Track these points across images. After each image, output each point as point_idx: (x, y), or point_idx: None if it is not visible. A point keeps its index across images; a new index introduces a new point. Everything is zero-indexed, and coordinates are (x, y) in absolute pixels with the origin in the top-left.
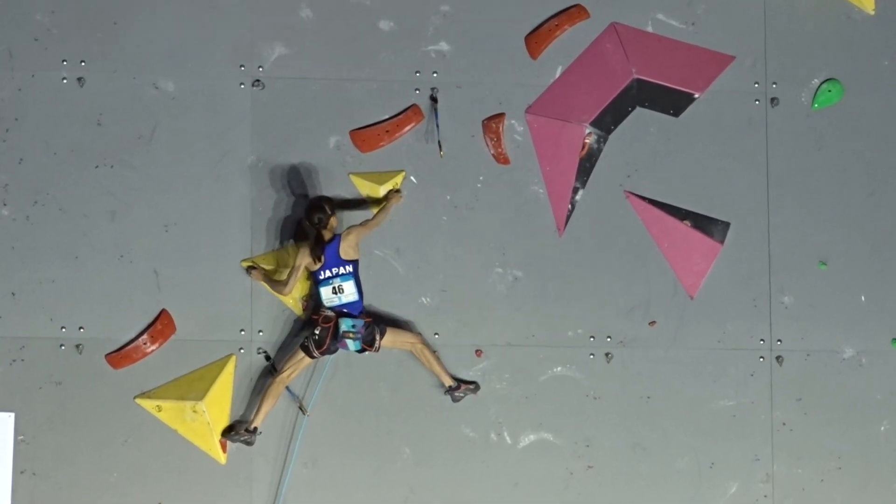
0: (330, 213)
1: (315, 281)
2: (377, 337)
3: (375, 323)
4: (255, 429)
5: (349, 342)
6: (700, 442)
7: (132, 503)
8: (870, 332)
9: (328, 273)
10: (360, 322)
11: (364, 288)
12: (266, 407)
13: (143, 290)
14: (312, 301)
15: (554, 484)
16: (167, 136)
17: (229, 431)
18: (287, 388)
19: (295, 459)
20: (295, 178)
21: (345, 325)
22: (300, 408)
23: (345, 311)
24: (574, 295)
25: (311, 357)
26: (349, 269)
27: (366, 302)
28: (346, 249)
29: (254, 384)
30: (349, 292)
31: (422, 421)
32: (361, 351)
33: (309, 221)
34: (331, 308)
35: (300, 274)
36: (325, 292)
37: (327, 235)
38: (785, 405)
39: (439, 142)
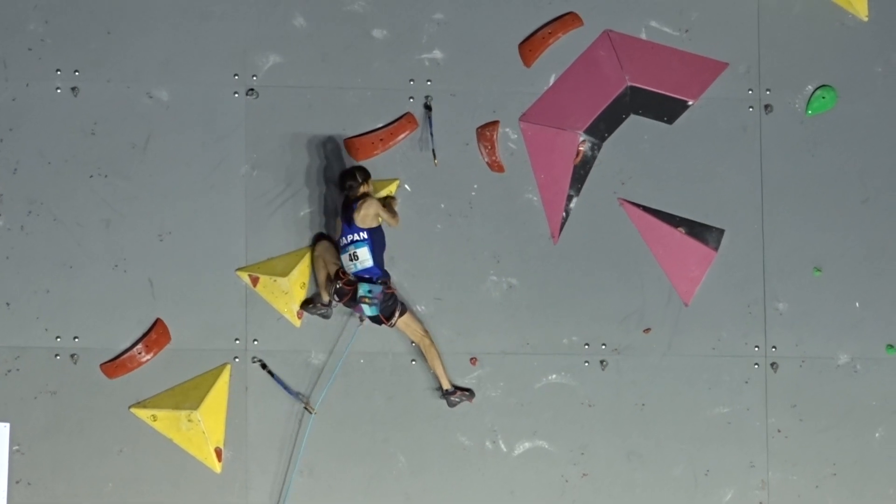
0: (360, 181)
1: (338, 249)
2: (396, 312)
3: (398, 299)
4: (330, 301)
5: (365, 307)
6: (695, 449)
7: None
8: (864, 338)
9: (345, 240)
10: (377, 288)
11: None
12: (322, 277)
13: (137, 300)
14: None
15: (549, 491)
16: (161, 145)
17: (307, 304)
18: (288, 389)
19: (300, 459)
20: (289, 187)
21: (362, 289)
22: (306, 407)
23: (365, 276)
24: (569, 302)
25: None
26: (363, 235)
27: None
28: (362, 217)
29: (249, 392)
30: (363, 259)
31: (417, 429)
32: (378, 322)
33: (340, 188)
34: (352, 274)
35: (385, 213)
36: (344, 259)
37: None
38: (780, 412)
39: (433, 150)
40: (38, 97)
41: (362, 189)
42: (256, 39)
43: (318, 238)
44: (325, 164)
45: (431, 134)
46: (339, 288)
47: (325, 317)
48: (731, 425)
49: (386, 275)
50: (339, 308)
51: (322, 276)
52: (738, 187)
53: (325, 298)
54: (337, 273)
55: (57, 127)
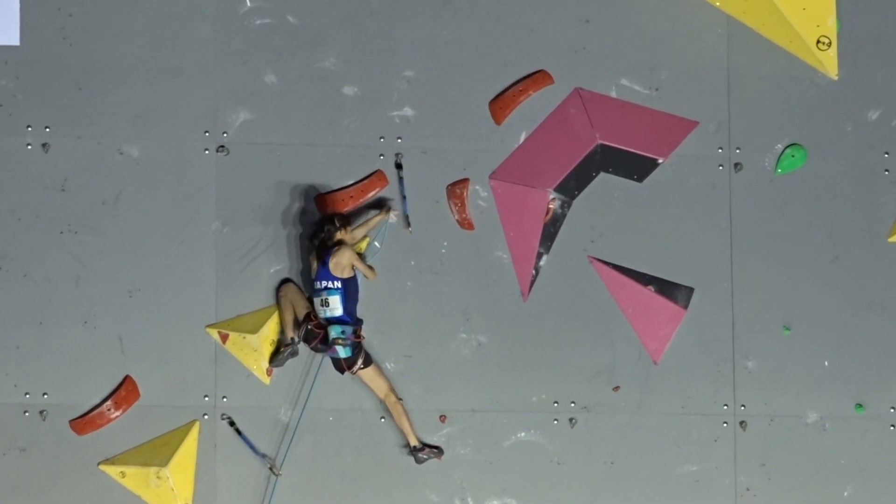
0: (338, 226)
1: (311, 290)
2: (360, 360)
3: (365, 349)
4: (293, 339)
5: (339, 348)
6: None
7: None
8: (833, 396)
9: (318, 285)
10: (349, 329)
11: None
12: (288, 317)
13: (107, 356)
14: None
15: None
16: (132, 201)
17: (274, 356)
18: (254, 449)
19: None
20: (259, 243)
21: (334, 331)
22: (271, 469)
23: (335, 321)
24: (538, 360)
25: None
26: (337, 284)
27: None
28: (336, 265)
29: (218, 449)
30: (334, 307)
31: (387, 486)
32: (342, 370)
33: (318, 232)
34: (322, 318)
35: (361, 265)
36: (316, 303)
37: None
38: (749, 470)
39: (407, 217)
40: (8, 153)
41: (339, 235)
42: (227, 96)
43: (284, 281)
44: (296, 222)
45: (404, 197)
46: (309, 330)
47: (294, 355)
48: (700, 483)
49: (358, 322)
50: (305, 356)
51: (288, 317)
52: (707, 245)
53: (289, 337)
54: (307, 315)
55: (27, 183)
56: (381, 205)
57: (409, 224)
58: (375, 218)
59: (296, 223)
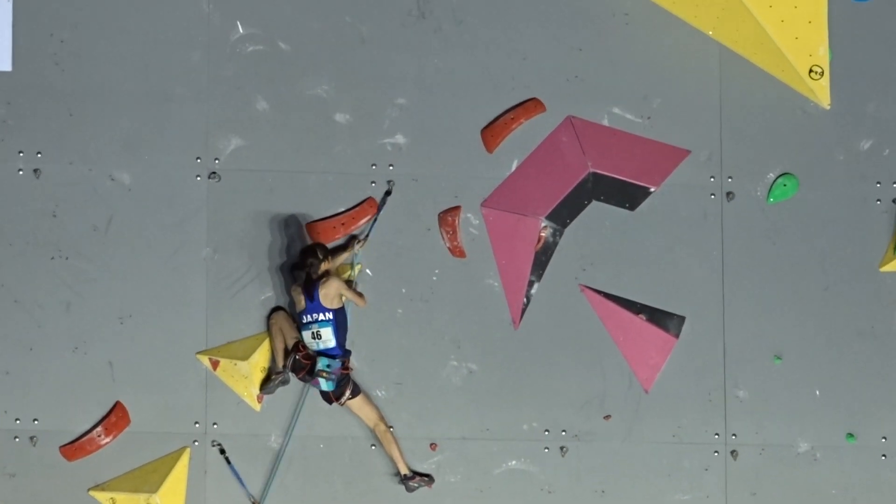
0: (321, 258)
1: (299, 324)
2: (348, 391)
3: (353, 380)
4: (284, 367)
5: (322, 381)
6: None
7: None
8: (824, 426)
9: (309, 318)
10: (336, 363)
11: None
12: (278, 345)
13: (97, 382)
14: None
15: None
16: (123, 227)
17: (265, 383)
18: (241, 481)
19: None
20: (250, 270)
21: (321, 363)
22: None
23: (324, 353)
24: (529, 388)
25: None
26: (329, 315)
27: None
28: (325, 297)
29: (208, 476)
30: (326, 338)
31: None
32: (329, 401)
33: (301, 266)
34: (313, 350)
35: (350, 293)
36: (306, 336)
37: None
38: (740, 499)
39: (367, 234)
40: None
41: (323, 266)
42: (219, 123)
43: (275, 309)
44: (287, 249)
45: (375, 219)
46: (297, 360)
47: (285, 383)
48: None
49: (346, 353)
50: (296, 384)
51: (278, 345)
52: (699, 274)
53: (280, 365)
54: (296, 345)
55: (18, 208)
56: (348, 245)
57: (364, 240)
58: (345, 253)
59: (287, 250)
